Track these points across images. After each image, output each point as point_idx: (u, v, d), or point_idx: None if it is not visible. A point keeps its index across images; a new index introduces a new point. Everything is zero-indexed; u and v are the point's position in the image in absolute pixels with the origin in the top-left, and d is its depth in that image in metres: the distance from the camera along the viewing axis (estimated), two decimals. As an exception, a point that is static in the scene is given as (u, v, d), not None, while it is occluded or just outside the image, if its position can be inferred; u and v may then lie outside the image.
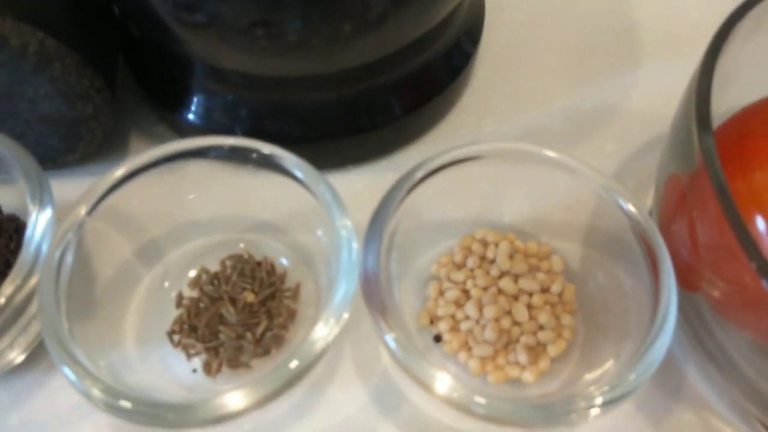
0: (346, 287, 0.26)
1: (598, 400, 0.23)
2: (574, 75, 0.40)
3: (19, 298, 0.27)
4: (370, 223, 0.27)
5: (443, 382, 0.23)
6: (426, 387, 0.23)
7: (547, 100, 0.39)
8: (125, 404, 0.24)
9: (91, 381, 0.24)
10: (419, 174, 0.28)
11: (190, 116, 0.35)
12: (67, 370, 0.24)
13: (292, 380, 0.24)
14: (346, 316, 0.25)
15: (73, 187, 0.33)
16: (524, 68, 0.40)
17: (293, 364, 0.24)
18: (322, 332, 0.25)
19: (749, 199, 0.25)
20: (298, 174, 0.29)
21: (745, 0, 0.27)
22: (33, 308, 0.28)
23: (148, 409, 0.24)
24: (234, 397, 0.24)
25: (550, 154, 0.30)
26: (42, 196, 0.28)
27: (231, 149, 0.30)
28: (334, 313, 0.26)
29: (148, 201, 0.31)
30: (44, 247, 0.28)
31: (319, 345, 0.25)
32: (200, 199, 0.33)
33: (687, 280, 0.27)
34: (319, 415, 0.30)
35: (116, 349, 0.29)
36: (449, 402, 0.23)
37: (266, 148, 0.29)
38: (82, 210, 0.28)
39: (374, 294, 0.25)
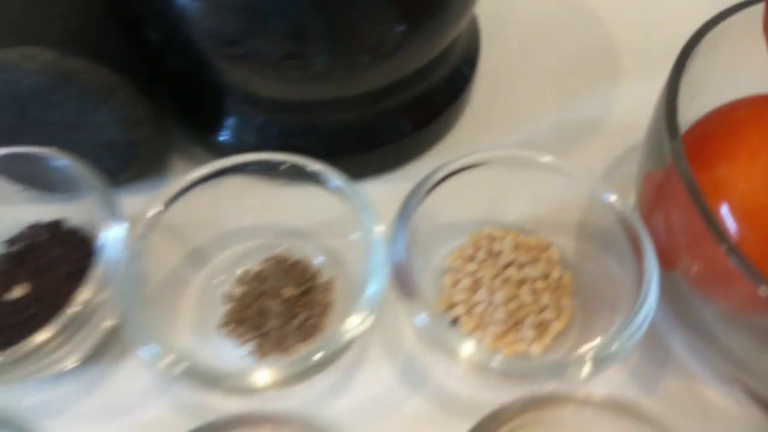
0: (377, 284, 0.30)
1: (590, 359, 0.28)
2: (562, 92, 0.45)
3: (92, 304, 0.31)
4: (396, 222, 0.32)
5: (468, 347, 0.28)
6: (453, 354, 0.28)
7: (538, 115, 0.44)
8: (190, 369, 0.28)
9: (163, 357, 0.28)
10: (435, 178, 0.33)
11: (225, 137, 0.40)
12: (144, 350, 0.29)
13: (327, 362, 0.29)
14: (376, 308, 0.30)
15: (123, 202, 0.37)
16: (517, 88, 0.46)
17: (328, 347, 0.29)
18: (355, 322, 0.29)
19: (712, 190, 0.30)
20: (337, 184, 0.34)
21: (703, 24, 0.32)
22: (97, 315, 0.32)
23: (208, 373, 0.28)
24: (280, 369, 0.28)
25: (546, 159, 0.34)
26: (114, 212, 0.32)
27: (271, 164, 0.35)
28: (367, 306, 0.30)
29: (195, 213, 0.36)
30: (115, 257, 0.32)
31: (353, 333, 0.29)
32: (240, 209, 0.37)
33: (667, 261, 0.31)
34: (353, 393, 0.34)
35: (175, 341, 0.34)
36: (472, 363, 0.27)
37: (311, 164, 0.34)
38: (145, 222, 0.33)
39: (405, 281, 0.30)
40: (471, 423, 0.27)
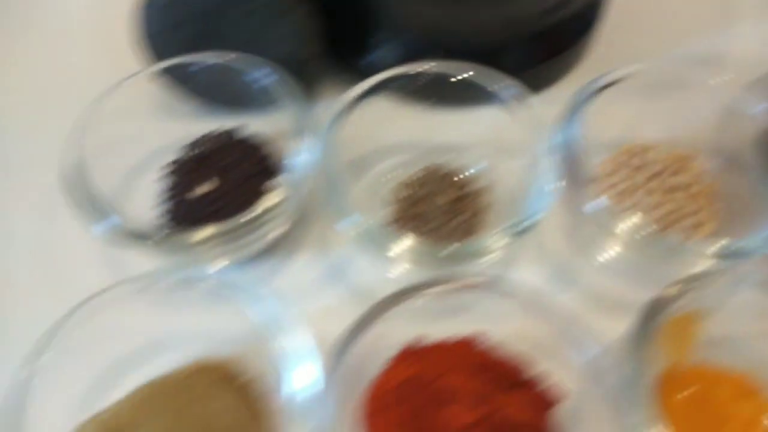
0: (540, 192, 0.32)
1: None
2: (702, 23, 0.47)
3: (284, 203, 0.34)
4: (566, 119, 0.34)
5: (634, 227, 0.31)
6: (617, 236, 0.31)
7: (673, 44, 0.46)
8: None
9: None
10: (597, 85, 0.35)
11: (373, 59, 0.42)
12: (344, 222, 0.32)
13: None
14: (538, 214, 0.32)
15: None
16: (650, 17, 0.47)
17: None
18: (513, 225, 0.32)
19: None
20: (503, 96, 0.36)
21: None
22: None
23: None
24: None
25: (697, 75, 0.36)
26: (305, 124, 0.35)
27: (424, 77, 0.37)
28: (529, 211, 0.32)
29: (354, 129, 0.38)
30: (306, 162, 0.34)
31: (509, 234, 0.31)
32: (395, 126, 0.40)
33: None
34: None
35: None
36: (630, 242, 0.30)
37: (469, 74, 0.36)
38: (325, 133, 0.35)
39: (577, 170, 0.32)
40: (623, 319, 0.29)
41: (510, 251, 0.37)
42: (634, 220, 0.35)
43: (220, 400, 0.29)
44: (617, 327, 0.30)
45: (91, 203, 0.33)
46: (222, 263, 0.36)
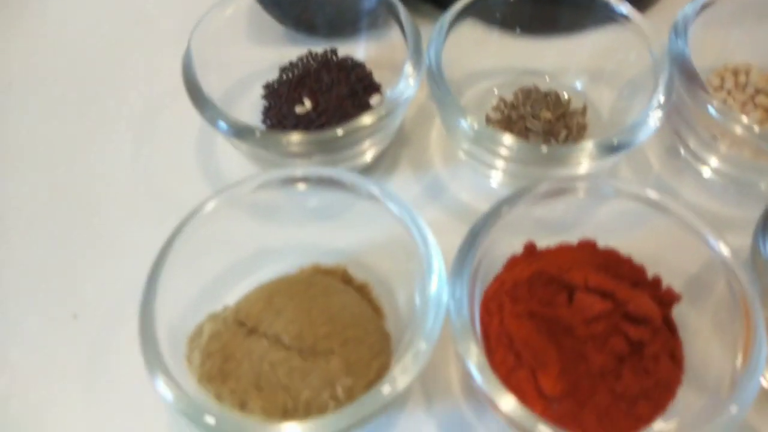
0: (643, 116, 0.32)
1: None
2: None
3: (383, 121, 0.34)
4: (673, 42, 0.34)
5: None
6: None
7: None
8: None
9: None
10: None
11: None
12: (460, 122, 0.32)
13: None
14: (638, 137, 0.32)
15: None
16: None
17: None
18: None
19: None
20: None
21: None
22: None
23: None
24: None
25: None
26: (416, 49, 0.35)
27: None
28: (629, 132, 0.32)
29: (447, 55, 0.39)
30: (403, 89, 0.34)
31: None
32: (483, 52, 0.40)
33: None
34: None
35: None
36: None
37: None
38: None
39: (695, 79, 0.33)
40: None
41: (612, 165, 0.38)
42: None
43: (343, 294, 0.29)
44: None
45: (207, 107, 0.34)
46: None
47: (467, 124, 0.32)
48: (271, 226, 0.34)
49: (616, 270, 0.29)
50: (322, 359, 0.26)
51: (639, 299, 0.28)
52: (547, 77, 0.40)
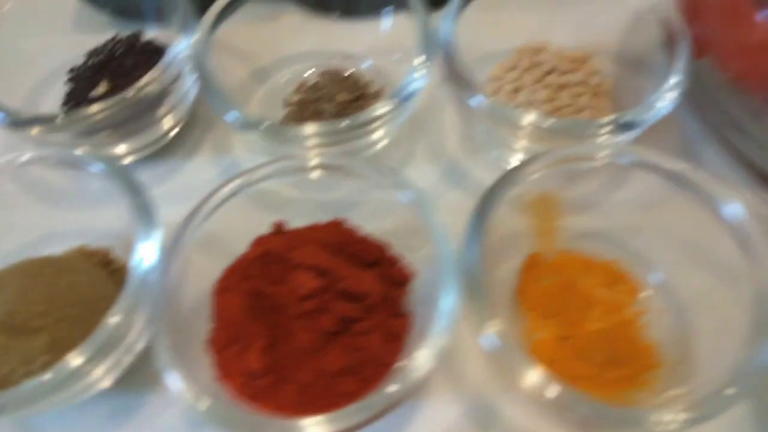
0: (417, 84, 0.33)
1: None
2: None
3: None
4: (442, 26, 0.34)
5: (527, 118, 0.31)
6: (514, 124, 0.31)
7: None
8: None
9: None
10: None
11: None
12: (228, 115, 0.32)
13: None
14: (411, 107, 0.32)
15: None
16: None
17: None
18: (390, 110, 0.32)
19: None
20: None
21: None
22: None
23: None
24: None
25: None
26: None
27: None
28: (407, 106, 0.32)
29: (256, 37, 0.39)
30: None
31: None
32: (299, 37, 0.40)
33: (700, 50, 0.33)
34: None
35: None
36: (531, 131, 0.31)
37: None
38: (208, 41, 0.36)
39: (458, 71, 0.33)
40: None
41: (408, 149, 0.38)
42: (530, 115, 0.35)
43: (81, 275, 0.30)
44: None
45: None
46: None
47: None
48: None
49: (351, 249, 0.29)
50: (30, 337, 0.27)
51: (356, 277, 0.28)
52: (352, 60, 0.40)
